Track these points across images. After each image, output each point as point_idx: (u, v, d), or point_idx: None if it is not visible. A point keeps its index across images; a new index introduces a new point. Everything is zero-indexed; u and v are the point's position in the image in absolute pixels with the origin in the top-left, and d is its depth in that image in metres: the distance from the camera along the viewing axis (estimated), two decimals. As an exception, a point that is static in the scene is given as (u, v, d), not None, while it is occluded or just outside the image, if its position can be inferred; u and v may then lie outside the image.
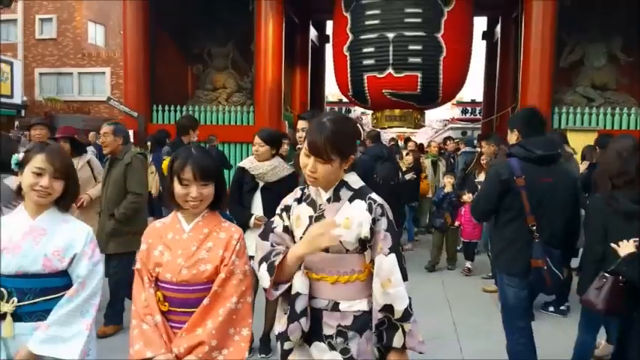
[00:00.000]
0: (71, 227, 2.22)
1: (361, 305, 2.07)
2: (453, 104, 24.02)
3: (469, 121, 24.44)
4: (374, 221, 2.03)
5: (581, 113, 10.76)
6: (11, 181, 2.95)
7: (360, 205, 2.06)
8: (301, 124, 4.05)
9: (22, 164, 2.14)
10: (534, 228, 3.26)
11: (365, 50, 10.92)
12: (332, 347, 2.04)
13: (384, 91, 10.96)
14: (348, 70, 11.32)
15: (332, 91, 21.90)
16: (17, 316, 2.08)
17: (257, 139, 4.26)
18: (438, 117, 26.53)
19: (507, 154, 3.56)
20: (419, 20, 10.55)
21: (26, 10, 25.57)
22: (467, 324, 5.02)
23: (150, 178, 7.83)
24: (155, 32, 12.45)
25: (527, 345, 3.43)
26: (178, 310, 2.14)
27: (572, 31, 11.17)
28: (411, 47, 10.55)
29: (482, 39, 15.74)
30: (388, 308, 2.00)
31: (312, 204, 2.13)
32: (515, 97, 11.32)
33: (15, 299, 2.08)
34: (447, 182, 7.43)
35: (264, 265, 2.05)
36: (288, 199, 2.22)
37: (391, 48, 10.60)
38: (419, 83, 10.67)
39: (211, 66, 13.56)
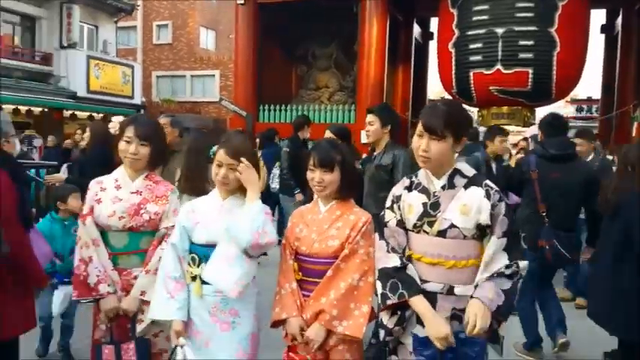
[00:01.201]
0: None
1: None
2: (566, 102, 22.70)
3: (584, 120, 22.98)
4: (493, 207, 2.07)
5: None
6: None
7: (477, 191, 2.10)
8: (369, 117, 4.04)
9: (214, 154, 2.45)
10: (544, 214, 3.97)
11: (472, 46, 10.63)
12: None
13: (491, 87, 10.62)
14: (453, 67, 11.07)
15: (434, 89, 21.48)
16: (204, 280, 2.36)
17: (328, 134, 4.47)
18: (550, 115, 25.18)
19: (532, 151, 4.45)
20: (531, 15, 10.11)
21: (145, 18, 27.47)
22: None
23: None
24: (263, 36, 12.91)
25: (528, 307, 4.18)
26: (309, 279, 2.40)
27: None
28: (521, 42, 10.13)
29: (601, 32, 14.76)
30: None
31: (425, 191, 2.19)
32: (638, 94, 10.50)
33: (203, 264, 2.36)
34: None
35: (380, 288, 2.19)
36: (397, 189, 2.31)
37: (500, 44, 10.24)
38: (530, 79, 10.22)
39: (315, 66, 13.87)
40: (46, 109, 17.89)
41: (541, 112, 16.72)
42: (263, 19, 12.80)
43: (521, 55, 10.19)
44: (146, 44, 27.66)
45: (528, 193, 4.13)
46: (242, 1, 12.61)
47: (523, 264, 2.08)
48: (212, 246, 2.38)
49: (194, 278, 2.39)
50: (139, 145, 2.66)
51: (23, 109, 16.94)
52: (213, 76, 26.93)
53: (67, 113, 18.79)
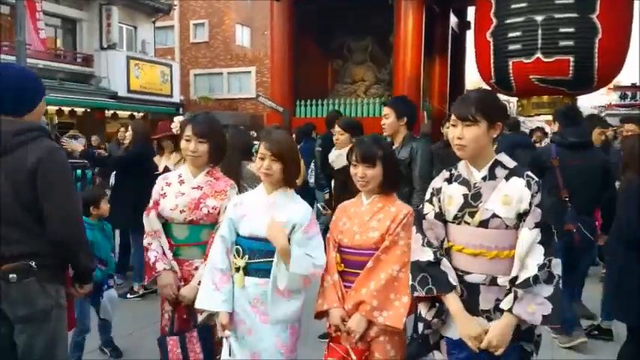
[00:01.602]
0: (295, 204, 2.57)
1: None
2: (609, 89, 21.98)
3: (629, 107, 22.23)
4: (532, 196, 2.07)
5: None
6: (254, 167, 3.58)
7: (518, 182, 2.10)
8: (384, 110, 3.97)
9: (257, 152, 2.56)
10: (567, 199, 4.12)
11: (511, 35, 10.46)
12: (490, 321, 2.09)
13: (531, 76, 10.42)
14: (492, 56, 10.91)
15: (471, 79, 21.15)
16: (247, 271, 2.47)
17: (337, 128, 4.44)
18: (593, 103, 24.48)
19: (550, 140, 4.65)
20: (571, 1, 9.88)
21: (182, 17, 27.90)
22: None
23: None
24: (298, 32, 12.95)
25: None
26: (351, 270, 2.45)
27: None
28: (562, 30, 9.91)
29: (646, 16, 14.26)
30: (514, 280, 2.05)
31: (465, 183, 2.19)
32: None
33: (247, 257, 2.48)
34: None
35: (410, 279, 2.22)
36: (437, 182, 2.30)
37: (540, 31, 10.04)
38: (571, 67, 9.98)
39: (350, 60, 13.84)
40: (88, 110, 18.42)
41: (582, 100, 16.30)
42: (298, 14, 12.84)
43: (562, 43, 9.97)
44: (183, 43, 28.12)
45: (550, 180, 4.17)
46: (277, -2, 12.69)
47: (556, 262, 2.05)
48: (256, 239, 2.47)
49: (237, 269, 2.48)
50: (197, 142, 2.79)
51: (66, 109, 17.48)
52: (250, 72, 27.21)
53: (108, 113, 19.32)
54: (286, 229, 2.42)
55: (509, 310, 2.02)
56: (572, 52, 9.99)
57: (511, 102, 17.82)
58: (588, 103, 23.50)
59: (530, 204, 2.06)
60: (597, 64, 10.04)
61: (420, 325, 2.24)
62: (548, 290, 2.02)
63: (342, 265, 2.47)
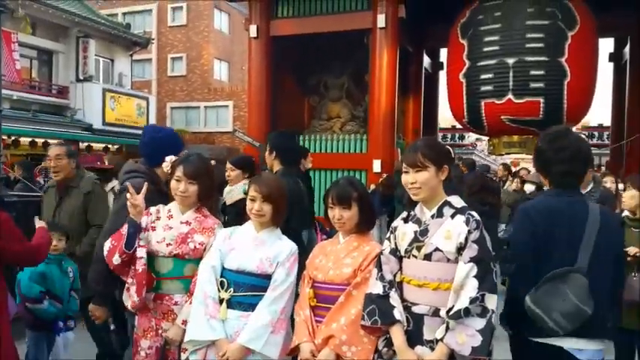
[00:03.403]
0: (282, 242, 2.68)
1: None
2: (578, 129, 22.71)
3: (596, 147, 22.93)
4: (469, 232, 2.22)
5: None
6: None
7: (460, 219, 2.27)
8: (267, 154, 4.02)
9: (246, 193, 2.68)
10: None
11: (483, 77, 10.74)
12: (433, 350, 2.21)
13: (502, 117, 10.70)
14: (464, 97, 11.16)
15: (444, 116, 21.58)
16: (230, 304, 2.54)
17: (228, 165, 4.55)
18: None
19: None
20: (541, 45, 10.23)
21: (160, 50, 28.05)
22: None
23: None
24: (275, 68, 13.12)
25: None
26: (323, 305, 2.53)
27: None
28: (532, 72, 10.24)
29: (609, 61, 14.83)
30: (449, 310, 2.18)
31: (418, 221, 2.37)
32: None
33: (232, 290, 2.55)
34: None
35: (369, 309, 2.32)
36: (396, 221, 2.49)
37: (511, 74, 10.35)
38: (541, 109, 10.29)
39: (327, 97, 14.03)
40: (62, 142, 18.13)
41: (553, 140, 16.73)
42: (275, 51, 13.03)
43: (533, 85, 10.28)
44: (161, 76, 28.19)
45: None
46: (255, 35, 12.85)
47: (491, 297, 2.15)
48: (242, 273, 2.56)
49: (221, 302, 2.54)
50: (187, 183, 2.84)
51: (40, 141, 17.23)
52: (227, 106, 27.30)
53: (82, 145, 19.06)
54: (273, 264, 2.56)
55: (442, 339, 2.15)
56: (543, 93, 10.30)
57: (483, 141, 18.22)
58: (558, 142, 24.11)
59: (467, 239, 2.21)
60: (566, 106, 10.37)
61: (375, 355, 2.37)
62: (480, 323, 2.13)
63: (315, 300, 2.55)
